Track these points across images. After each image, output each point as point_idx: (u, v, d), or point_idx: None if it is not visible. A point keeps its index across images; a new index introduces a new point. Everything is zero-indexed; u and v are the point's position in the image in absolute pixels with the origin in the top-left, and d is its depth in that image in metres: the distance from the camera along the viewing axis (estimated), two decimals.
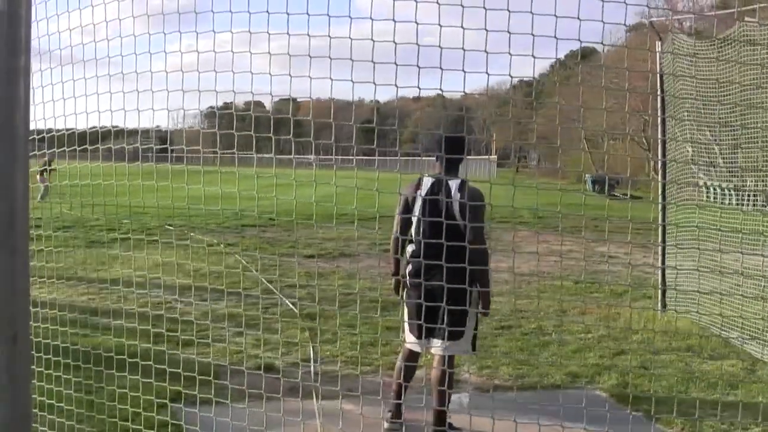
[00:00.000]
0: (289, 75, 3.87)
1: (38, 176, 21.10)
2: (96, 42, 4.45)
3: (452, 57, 3.60)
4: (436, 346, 5.66)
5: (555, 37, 3.28)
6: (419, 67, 3.49)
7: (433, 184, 5.62)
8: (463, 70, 3.55)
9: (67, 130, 4.94)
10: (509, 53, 3.39)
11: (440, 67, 3.44)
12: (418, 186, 5.68)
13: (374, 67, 3.59)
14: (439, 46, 3.41)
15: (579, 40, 3.33)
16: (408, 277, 5.67)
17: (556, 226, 18.08)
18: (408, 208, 5.72)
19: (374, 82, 3.66)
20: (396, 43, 3.48)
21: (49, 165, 19.24)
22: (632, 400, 6.20)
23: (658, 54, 9.60)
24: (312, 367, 6.90)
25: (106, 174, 5.14)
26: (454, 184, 5.57)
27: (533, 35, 3.31)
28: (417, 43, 3.47)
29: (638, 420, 5.91)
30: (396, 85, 3.57)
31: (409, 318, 5.71)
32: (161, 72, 4.43)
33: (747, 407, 6.03)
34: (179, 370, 5.00)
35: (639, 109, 44.59)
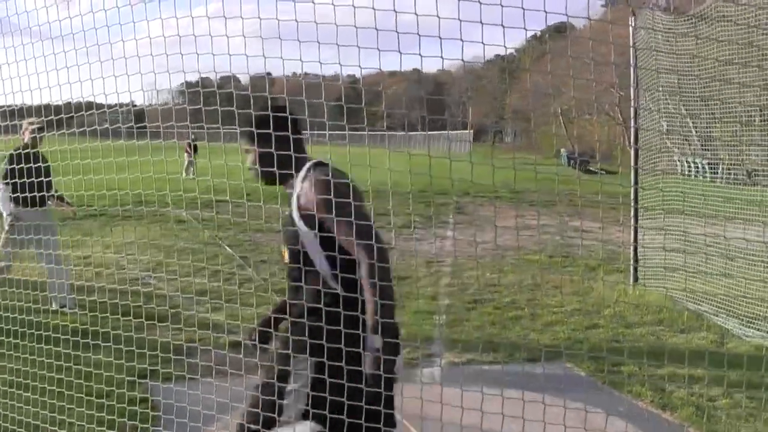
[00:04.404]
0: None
1: (185, 153, 22.22)
2: (71, 18, 4.41)
3: (428, 31, 3.59)
4: None
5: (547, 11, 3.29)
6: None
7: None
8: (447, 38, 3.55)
9: (43, 105, 4.92)
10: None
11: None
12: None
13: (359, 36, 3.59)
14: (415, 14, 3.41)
15: (566, 14, 3.33)
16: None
17: (531, 201, 18.25)
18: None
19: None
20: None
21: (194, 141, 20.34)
22: (603, 373, 6.29)
23: (631, 29, 9.65)
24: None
25: (82, 150, 5.12)
26: None
27: (523, 8, 3.31)
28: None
29: (608, 392, 6.00)
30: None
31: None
32: (134, 46, 4.40)
33: (715, 379, 6.13)
34: (155, 348, 5.01)
35: (614, 85, 44.89)
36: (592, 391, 5.88)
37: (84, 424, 4.88)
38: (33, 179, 6.40)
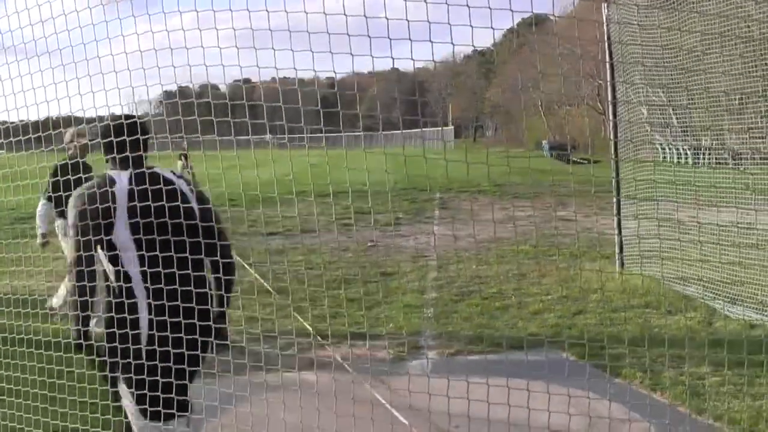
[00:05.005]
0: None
1: (179, 161, 22.32)
2: (57, 34, 4.41)
3: (404, 29, 3.62)
4: None
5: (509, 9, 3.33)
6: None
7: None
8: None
9: (21, 121, 4.91)
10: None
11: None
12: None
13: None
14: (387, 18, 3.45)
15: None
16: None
17: (514, 192, 18.32)
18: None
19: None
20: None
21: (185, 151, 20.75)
22: (592, 357, 6.34)
23: (605, 18, 9.72)
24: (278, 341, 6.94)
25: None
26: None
27: (490, 9, 3.34)
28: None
29: (598, 375, 6.05)
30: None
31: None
32: (109, 57, 4.40)
33: (703, 357, 6.20)
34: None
35: (592, 75, 45.04)
36: (581, 376, 5.92)
37: (75, 425, 4.86)
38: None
